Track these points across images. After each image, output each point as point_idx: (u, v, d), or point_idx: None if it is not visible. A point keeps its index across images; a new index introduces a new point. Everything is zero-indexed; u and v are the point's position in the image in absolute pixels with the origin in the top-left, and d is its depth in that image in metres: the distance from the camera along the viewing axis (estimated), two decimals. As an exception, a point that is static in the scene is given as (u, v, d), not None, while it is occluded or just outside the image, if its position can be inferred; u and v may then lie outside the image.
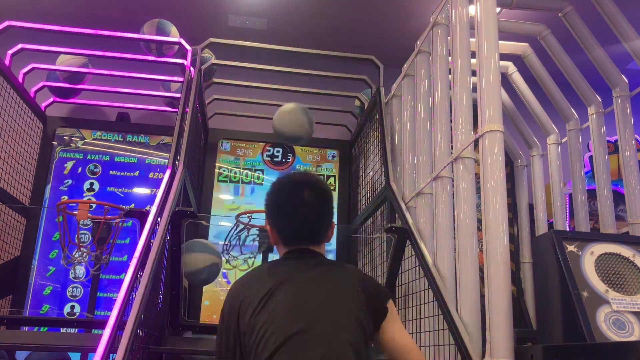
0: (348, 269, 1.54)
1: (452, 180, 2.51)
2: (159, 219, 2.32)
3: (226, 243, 3.26)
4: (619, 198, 3.69)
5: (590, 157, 4.19)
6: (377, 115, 3.50)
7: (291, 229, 1.53)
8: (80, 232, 3.22)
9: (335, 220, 1.59)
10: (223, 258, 2.97)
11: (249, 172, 4.28)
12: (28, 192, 3.84)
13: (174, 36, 3.83)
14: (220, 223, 4.09)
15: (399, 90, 3.50)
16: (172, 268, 2.50)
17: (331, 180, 4.33)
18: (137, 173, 4.13)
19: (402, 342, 1.47)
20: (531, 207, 4.10)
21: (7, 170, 3.49)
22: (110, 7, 4.37)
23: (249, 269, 1.61)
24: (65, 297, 3.78)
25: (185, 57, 3.61)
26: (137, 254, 2.06)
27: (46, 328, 3.27)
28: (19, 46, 3.58)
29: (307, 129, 3.25)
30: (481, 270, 2.11)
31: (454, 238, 2.39)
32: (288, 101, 4.28)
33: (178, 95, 3.84)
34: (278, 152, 4.36)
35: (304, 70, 3.95)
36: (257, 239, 3.22)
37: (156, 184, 4.06)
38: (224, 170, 4.26)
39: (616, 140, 3.68)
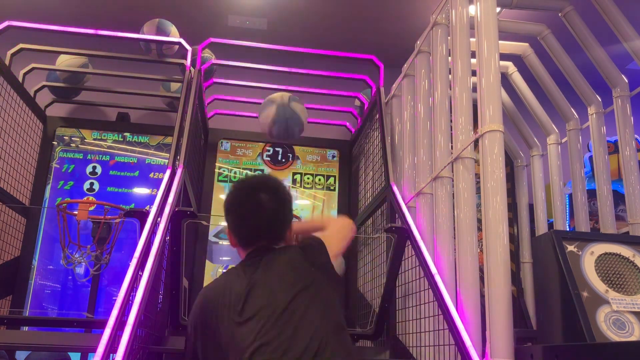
0: (291, 252, 1.56)
1: (452, 180, 2.51)
2: (159, 219, 2.32)
3: None
4: (619, 198, 3.69)
5: (590, 157, 4.19)
6: (377, 115, 3.50)
7: (247, 231, 1.56)
8: (81, 232, 3.22)
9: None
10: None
11: (249, 172, 4.28)
12: (28, 192, 3.84)
13: (174, 36, 3.83)
14: (221, 223, 4.09)
15: (399, 90, 3.50)
16: (172, 268, 2.50)
17: (331, 180, 4.34)
18: (137, 173, 4.13)
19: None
20: (531, 207, 4.10)
21: (7, 170, 3.49)
22: (111, 7, 4.37)
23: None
24: (65, 297, 3.78)
25: (185, 57, 3.61)
26: (137, 254, 2.06)
27: (47, 328, 3.27)
28: (19, 46, 3.58)
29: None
30: (481, 270, 2.11)
31: (454, 238, 2.39)
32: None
33: (178, 95, 3.84)
34: (278, 152, 4.36)
35: (304, 70, 3.95)
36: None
37: (156, 184, 4.06)
38: (224, 170, 4.26)
39: (616, 140, 3.68)
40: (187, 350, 1.50)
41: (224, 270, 3.94)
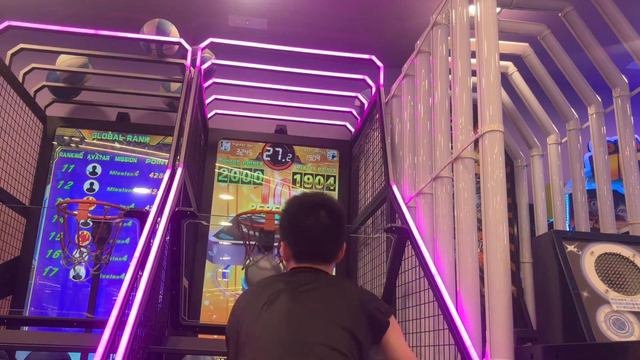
0: (345, 284, 1.60)
1: (452, 180, 2.51)
2: (159, 219, 2.32)
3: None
4: (619, 198, 3.69)
5: (590, 157, 4.19)
6: (377, 115, 3.50)
7: (305, 247, 1.59)
8: (80, 232, 3.22)
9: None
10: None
11: (249, 172, 4.28)
12: (28, 192, 3.84)
13: (174, 36, 3.83)
14: (221, 223, 4.09)
15: (399, 90, 3.50)
16: (172, 268, 2.50)
17: (331, 180, 4.34)
18: (137, 173, 4.12)
19: (404, 354, 1.52)
20: (531, 207, 4.10)
21: (7, 170, 3.49)
22: (111, 7, 4.37)
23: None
24: (66, 297, 3.78)
25: (185, 57, 3.61)
26: (137, 254, 2.06)
27: (47, 328, 3.27)
28: (19, 46, 3.58)
29: None
30: (481, 270, 2.11)
31: (454, 238, 2.39)
32: (288, 101, 4.31)
33: (178, 95, 3.84)
34: (278, 152, 4.36)
35: (304, 70, 3.95)
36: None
37: (156, 184, 4.06)
38: (224, 170, 4.26)
39: (616, 140, 3.68)
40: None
41: (225, 270, 3.96)
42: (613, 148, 4.13)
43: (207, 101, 4.13)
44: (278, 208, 4.06)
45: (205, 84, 3.94)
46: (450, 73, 2.62)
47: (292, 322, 1.41)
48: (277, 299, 1.46)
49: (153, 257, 2.09)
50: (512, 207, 4.21)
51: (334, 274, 1.67)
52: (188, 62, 3.56)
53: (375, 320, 1.49)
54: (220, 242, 4.07)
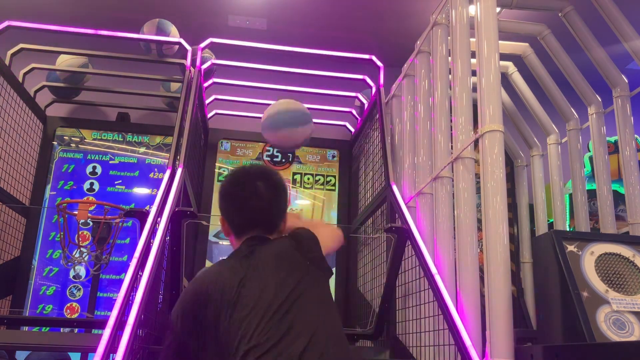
0: (279, 242, 1.55)
1: (452, 180, 2.51)
2: (159, 219, 2.32)
3: None
4: (619, 198, 3.69)
5: (590, 157, 4.19)
6: (377, 116, 3.50)
7: (242, 219, 1.55)
8: (80, 232, 3.22)
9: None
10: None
11: (249, 172, 4.28)
12: (28, 192, 3.84)
13: (174, 36, 3.83)
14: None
15: (399, 90, 3.50)
16: (172, 268, 2.50)
17: (331, 180, 4.34)
18: (137, 173, 4.13)
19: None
20: (531, 207, 4.10)
21: (7, 170, 3.49)
22: (111, 7, 4.37)
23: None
24: (65, 297, 3.78)
25: (185, 57, 3.61)
26: (137, 254, 2.06)
27: (47, 328, 3.27)
28: (19, 46, 3.58)
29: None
30: (481, 270, 2.11)
31: (454, 238, 2.39)
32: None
33: (178, 95, 3.84)
34: (278, 152, 4.36)
35: (304, 70, 3.95)
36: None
37: (156, 184, 4.06)
38: (224, 170, 4.26)
39: (616, 140, 3.68)
40: (170, 344, 1.43)
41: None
42: (613, 148, 4.13)
43: (207, 101, 4.13)
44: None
45: (205, 84, 3.94)
46: (450, 73, 2.62)
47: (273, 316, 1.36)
48: (245, 287, 1.40)
49: (153, 257, 2.09)
50: (512, 207, 4.21)
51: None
52: (188, 62, 3.56)
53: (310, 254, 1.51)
54: (220, 242, 4.07)
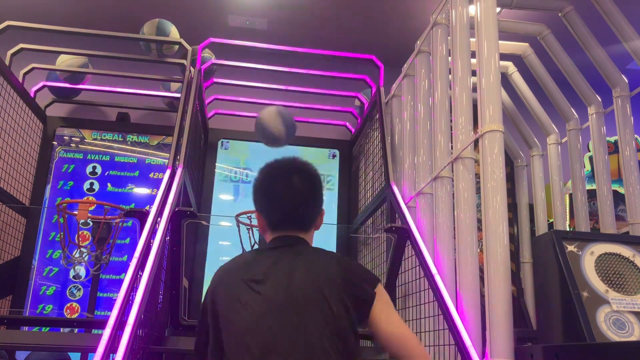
0: (328, 257, 1.45)
1: (452, 180, 2.51)
2: (159, 219, 2.32)
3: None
4: (619, 198, 3.69)
5: (590, 157, 4.19)
6: (377, 115, 3.51)
7: (278, 213, 1.49)
8: (80, 232, 3.22)
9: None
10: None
11: (249, 172, 4.28)
12: (28, 192, 3.84)
13: (174, 36, 3.83)
14: (220, 223, 4.09)
15: (399, 90, 3.50)
16: (172, 268, 2.50)
17: (331, 180, 4.33)
18: (137, 173, 4.13)
19: (395, 330, 1.35)
20: (531, 207, 4.10)
21: (7, 170, 3.49)
22: (111, 7, 4.37)
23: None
24: (65, 297, 3.78)
25: (185, 57, 3.61)
26: (137, 254, 2.06)
27: (47, 328, 3.27)
28: (19, 46, 3.58)
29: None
30: (481, 270, 2.11)
31: (454, 238, 2.39)
32: (288, 101, 4.30)
33: (178, 95, 3.84)
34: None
35: (304, 70, 3.95)
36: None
37: (156, 184, 4.06)
38: (224, 170, 4.26)
39: (616, 140, 3.68)
40: (198, 327, 1.45)
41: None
42: (613, 148, 4.13)
43: (207, 101, 4.13)
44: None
45: (205, 84, 3.94)
46: (450, 73, 2.62)
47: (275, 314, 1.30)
48: (260, 284, 1.35)
49: (153, 257, 2.09)
50: (512, 207, 4.21)
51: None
52: (188, 62, 3.56)
53: (357, 293, 1.34)
54: (221, 243, 4.07)
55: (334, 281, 1.34)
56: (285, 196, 1.47)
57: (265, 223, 1.50)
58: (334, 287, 1.33)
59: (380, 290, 1.38)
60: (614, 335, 1.76)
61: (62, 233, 3.05)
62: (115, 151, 4.15)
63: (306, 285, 1.34)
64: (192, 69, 3.54)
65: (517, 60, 3.78)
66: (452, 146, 2.55)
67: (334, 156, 4.40)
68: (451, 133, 2.56)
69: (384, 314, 1.36)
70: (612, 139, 4.20)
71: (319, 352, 1.27)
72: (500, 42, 2.28)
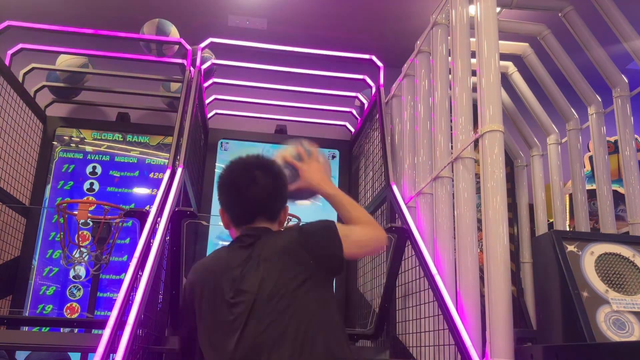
0: (286, 235, 1.51)
1: (452, 180, 2.51)
2: (159, 219, 2.32)
3: None
4: (619, 198, 3.69)
5: (590, 157, 4.19)
6: (377, 115, 3.50)
7: (241, 208, 1.53)
8: (80, 232, 3.22)
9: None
10: None
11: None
12: (28, 192, 3.84)
13: (174, 36, 3.83)
14: (220, 223, 4.08)
15: (399, 90, 3.50)
16: (172, 268, 2.50)
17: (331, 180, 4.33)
18: (137, 173, 4.12)
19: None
20: (531, 207, 4.10)
21: (7, 170, 3.49)
22: (110, 7, 4.37)
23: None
24: (65, 297, 3.78)
25: (185, 57, 3.61)
26: (137, 254, 2.06)
27: (47, 328, 3.27)
28: (19, 46, 3.58)
29: None
30: (481, 270, 2.11)
31: (454, 238, 2.39)
32: (288, 101, 4.31)
33: (178, 95, 3.84)
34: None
35: (304, 70, 3.95)
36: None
37: (156, 184, 4.06)
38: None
39: (616, 140, 3.68)
40: (181, 312, 1.49)
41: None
42: (613, 148, 4.13)
43: (207, 101, 4.13)
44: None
45: (205, 84, 3.94)
46: (450, 73, 2.62)
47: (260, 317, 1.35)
48: (241, 282, 1.39)
49: (153, 257, 2.08)
50: (512, 207, 4.21)
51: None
52: (188, 62, 3.56)
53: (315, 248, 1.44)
54: (221, 243, 4.07)
55: (300, 257, 1.41)
56: (247, 190, 1.50)
57: (228, 218, 1.55)
58: (302, 264, 1.40)
59: (335, 225, 1.49)
60: (614, 335, 1.76)
61: (62, 233, 3.05)
62: (115, 151, 4.15)
63: (281, 279, 1.38)
64: (192, 69, 3.54)
65: (517, 60, 3.78)
66: (452, 146, 2.55)
67: (333, 156, 4.40)
68: (451, 133, 2.56)
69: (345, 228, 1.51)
70: (612, 139, 4.20)
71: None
72: (500, 42, 2.28)
